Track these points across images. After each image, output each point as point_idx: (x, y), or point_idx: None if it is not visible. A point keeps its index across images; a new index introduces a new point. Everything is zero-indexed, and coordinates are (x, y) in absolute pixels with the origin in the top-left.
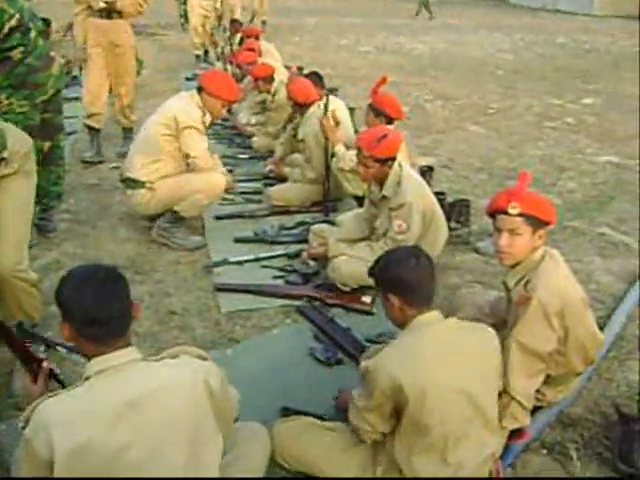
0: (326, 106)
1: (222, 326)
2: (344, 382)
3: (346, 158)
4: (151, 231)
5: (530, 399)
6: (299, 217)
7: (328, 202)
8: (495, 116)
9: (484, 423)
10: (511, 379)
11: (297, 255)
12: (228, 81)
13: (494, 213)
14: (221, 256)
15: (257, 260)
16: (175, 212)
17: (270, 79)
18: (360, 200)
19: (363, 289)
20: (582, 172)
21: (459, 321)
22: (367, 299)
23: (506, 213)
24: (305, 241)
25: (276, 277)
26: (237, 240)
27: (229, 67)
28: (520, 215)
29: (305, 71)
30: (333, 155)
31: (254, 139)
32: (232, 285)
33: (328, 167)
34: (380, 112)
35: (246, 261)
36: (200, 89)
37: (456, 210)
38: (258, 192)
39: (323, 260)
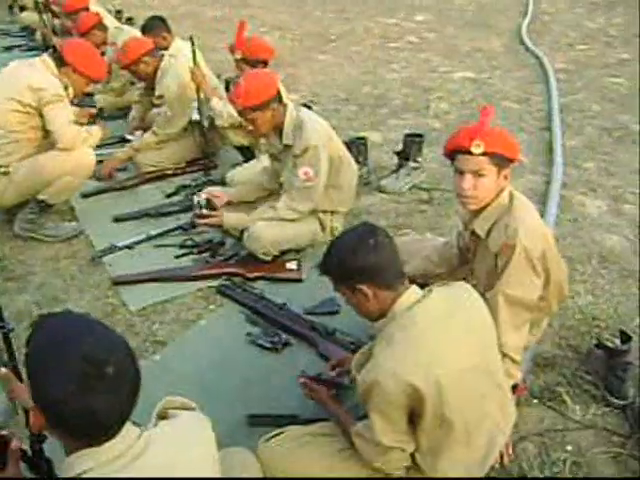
0: (194, 53)
1: (137, 327)
2: (298, 366)
3: (224, 114)
4: (13, 225)
5: (520, 352)
6: (177, 180)
7: (206, 159)
8: (339, 42)
9: (498, 390)
10: (501, 335)
11: (193, 226)
12: (96, 57)
13: (454, 153)
14: (105, 242)
15: (149, 239)
16: (40, 201)
17: (102, 27)
18: (242, 150)
19: (284, 256)
20: (448, 91)
21: (435, 288)
22: (292, 265)
23: (468, 153)
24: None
25: (178, 256)
26: (117, 219)
27: (45, 17)
28: (484, 154)
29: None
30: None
31: (97, 97)
32: (132, 276)
33: (202, 119)
34: (256, 61)
35: (137, 243)
36: (61, 61)
37: (354, 149)
38: None
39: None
